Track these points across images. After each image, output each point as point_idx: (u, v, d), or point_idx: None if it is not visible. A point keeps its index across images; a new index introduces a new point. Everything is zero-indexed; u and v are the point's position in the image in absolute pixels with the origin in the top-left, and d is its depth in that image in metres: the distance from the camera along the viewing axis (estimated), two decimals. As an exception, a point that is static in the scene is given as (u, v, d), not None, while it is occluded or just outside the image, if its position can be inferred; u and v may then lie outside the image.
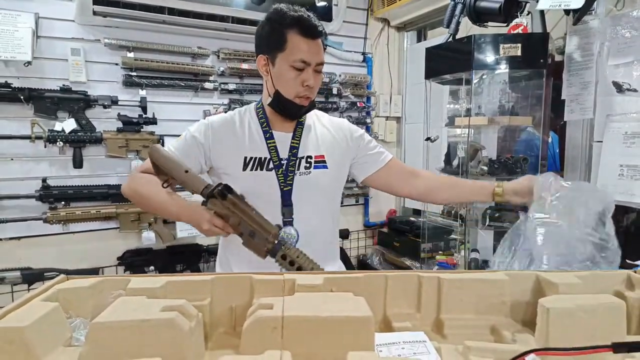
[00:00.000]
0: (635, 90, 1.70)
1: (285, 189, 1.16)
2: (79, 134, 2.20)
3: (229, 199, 0.95)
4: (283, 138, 1.20)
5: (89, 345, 0.54)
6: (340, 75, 2.92)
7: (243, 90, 2.63)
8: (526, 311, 0.72)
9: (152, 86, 2.38)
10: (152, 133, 2.36)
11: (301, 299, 0.62)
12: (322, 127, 1.27)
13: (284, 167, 1.17)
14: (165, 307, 0.58)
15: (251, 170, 1.16)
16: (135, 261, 2.33)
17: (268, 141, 1.18)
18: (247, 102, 2.55)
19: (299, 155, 1.19)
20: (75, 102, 2.21)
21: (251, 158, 1.17)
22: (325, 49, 1.17)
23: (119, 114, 2.30)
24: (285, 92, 1.14)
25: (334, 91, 2.90)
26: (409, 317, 0.73)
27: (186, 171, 0.98)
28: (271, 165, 1.17)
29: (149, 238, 2.33)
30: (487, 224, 2.06)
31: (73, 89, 2.21)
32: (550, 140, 2.06)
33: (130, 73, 2.33)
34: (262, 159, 1.17)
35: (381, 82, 3.26)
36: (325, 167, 1.21)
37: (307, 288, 0.70)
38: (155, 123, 2.36)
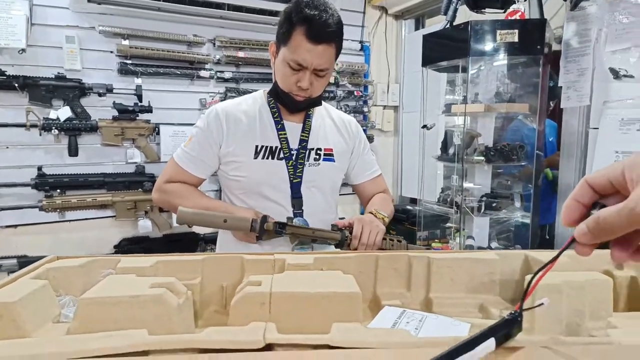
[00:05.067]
0: (631, 77, 1.69)
1: (294, 180, 1.16)
2: (74, 122, 2.19)
3: (288, 229, 1.00)
4: (293, 128, 1.19)
5: (78, 320, 0.54)
6: (337, 64, 2.90)
7: (239, 78, 2.61)
8: (515, 289, 0.72)
9: (148, 74, 2.36)
10: (147, 121, 2.35)
11: (290, 277, 0.62)
12: (330, 121, 1.27)
13: (293, 158, 1.17)
14: (154, 284, 0.58)
15: (262, 158, 1.15)
16: (131, 249, 2.33)
17: (280, 132, 1.17)
18: (244, 91, 2.55)
19: (309, 147, 1.19)
20: (70, 90, 2.20)
21: (262, 147, 1.16)
22: (338, 53, 1.12)
23: (114, 102, 2.28)
24: (282, 85, 1.13)
25: (331, 80, 2.89)
26: (399, 296, 0.74)
27: (225, 220, 0.99)
28: (282, 155, 1.16)
29: (145, 226, 2.33)
30: (482, 211, 2.07)
31: (68, 76, 2.20)
32: (542, 128, 2.06)
33: (126, 61, 2.32)
34: (273, 148, 1.16)
35: (379, 70, 3.24)
36: (333, 160, 1.22)
37: (297, 267, 0.71)
38: (151, 111, 2.35)
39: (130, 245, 2.35)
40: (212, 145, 1.16)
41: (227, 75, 2.57)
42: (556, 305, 0.57)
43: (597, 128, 1.83)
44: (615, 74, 1.77)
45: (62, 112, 2.16)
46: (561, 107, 1.98)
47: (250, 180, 1.15)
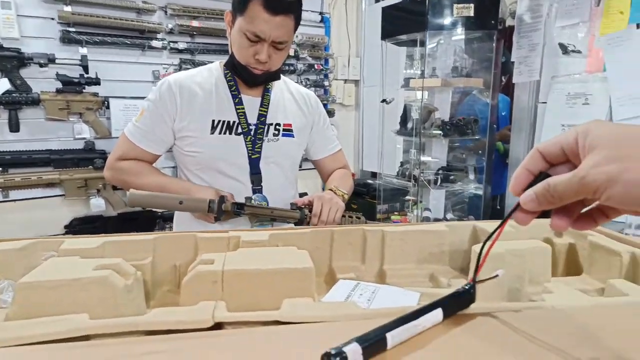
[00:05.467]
0: (579, 52, 1.76)
1: (253, 156, 1.13)
2: (14, 95, 2.03)
3: (246, 209, 0.98)
4: (251, 103, 1.15)
5: (16, 306, 0.51)
6: (297, 36, 2.84)
7: (195, 49, 2.50)
8: (463, 258, 0.76)
9: (94, 43, 2.21)
10: (95, 94, 2.22)
11: (244, 254, 0.62)
12: (290, 95, 1.24)
13: (252, 133, 1.13)
14: (98, 266, 0.56)
15: (219, 133, 1.11)
16: (84, 229, 2.24)
17: (237, 106, 1.13)
18: (200, 63, 2.44)
19: (268, 122, 1.16)
20: (7, 60, 2.02)
21: (219, 121, 1.12)
22: (297, 25, 1.09)
23: (57, 74, 2.13)
24: (238, 57, 1.09)
25: (291, 52, 2.82)
26: (353, 269, 0.75)
27: (180, 202, 0.95)
28: (239, 130, 1.13)
29: (98, 205, 2.24)
30: (439, 184, 2.13)
31: (5, 45, 2.02)
32: (496, 102, 2.13)
33: (69, 29, 2.15)
34: (231, 122, 1.12)
35: (339, 43, 3.20)
36: (292, 135, 1.20)
37: (252, 244, 0.70)
38: (99, 84, 2.21)
39: (82, 225, 2.26)
40: (166, 119, 1.10)
41: (182, 46, 2.45)
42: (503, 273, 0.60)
43: (546, 102, 1.91)
44: (564, 49, 1.83)
45: (0, 84, 2.00)
46: (513, 82, 2.04)
47: (207, 156, 1.11)
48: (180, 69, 2.43)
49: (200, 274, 0.56)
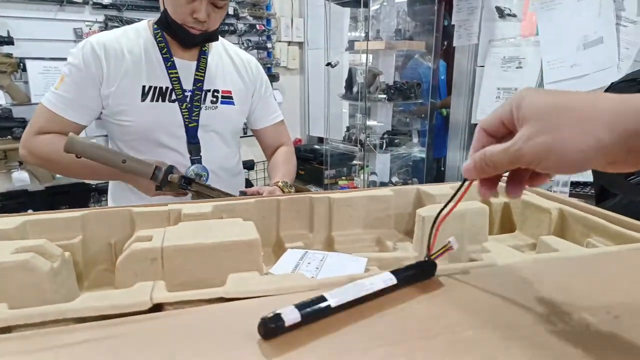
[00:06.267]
0: (514, 16, 1.82)
1: (190, 125, 1.06)
2: None
3: (194, 186, 0.92)
4: (186, 67, 1.06)
5: None
6: (236, -7, 2.68)
7: (121, 5, 2.28)
8: (408, 222, 0.77)
9: (1, -4, 1.94)
10: (9, 55, 1.98)
11: (185, 228, 0.58)
12: (228, 59, 1.15)
13: (188, 100, 1.05)
14: (18, 249, 0.50)
15: (151, 101, 1.02)
16: (7, 205, 2.05)
17: (170, 70, 1.04)
18: (128, 21, 2.24)
19: (205, 88, 1.08)
20: None
21: (150, 87, 1.02)
22: None
23: (-42, 31, 1.86)
24: (174, 15, 0.99)
25: (230, 11, 2.67)
26: (301, 237, 0.74)
27: (124, 161, 0.86)
28: (174, 97, 1.04)
29: (21, 179, 2.05)
30: (384, 148, 2.17)
31: None
32: (437, 65, 2.17)
33: (-33, -23, 1.87)
34: (164, 88, 1.03)
35: (282, 3, 3.07)
36: (232, 103, 1.13)
37: (194, 217, 0.67)
38: (12, 43, 1.97)
39: (4, 201, 2.06)
40: (93, 84, 0.99)
41: (106, 0, 2.22)
42: (443, 233, 0.62)
43: (483, 66, 1.97)
44: (501, 13, 1.88)
45: None
46: (453, 45, 2.08)
47: (139, 125, 1.03)
48: (106, 27, 2.22)
49: (135, 252, 0.52)
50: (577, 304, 0.40)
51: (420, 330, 0.36)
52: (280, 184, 1.07)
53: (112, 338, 0.35)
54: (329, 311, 0.37)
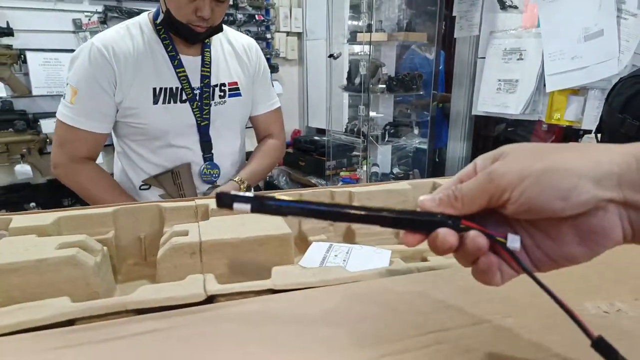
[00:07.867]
0: (516, 7, 1.83)
1: (202, 124, 1.06)
2: None
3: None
4: (192, 64, 1.05)
5: (-27, 295, 0.47)
6: (235, -17, 2.66)
7: (121, -5, 2.26)
8: (425, 214, 0.80)
9: (-1, -14, 1.92)
10: (9, 47, 1.96)
11: (217, 223, 0.60)
12: (229, 46, 1.14)
13: (197, 98, 1.05)
14: (62, 244, 0.52)
15: (163, 103, 1.02)
16: (10, 198, 2.05)
17: (177, 69, 1.03)
18: (128, 11, 2.22)
19: (212, 83, 1.08)
20: None
21: (161, 89, 1.02)
22: None
23: (-43, 22, 1.84)
24: (177, 16, 0.98)
25: (230, 1, 2.65)
26: (323, 231, 0.76)
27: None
28: (184, 97, 1.04)
29: (24, 172, 2.04)
30: (386, 139, 2.20)
31: None
32: (433, 57, 2.18)
33: (-36, -33, 1.84)
34: (174, 89, 1.03)
35: (280, -8, 3.05)
36: (239, 94, 1.13)
37: (222, 212, 0.69)
38: (12, 34, 1.95)
39: (7, 195, 2.06)
40: (107, 90, 0.98)
41: (106, -9, 2.20)
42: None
43: (484, 57, 1.99)
44: (502, 5, 1.90)
45: None
46: (454, 36, 2.10)
47: (152, 127, 1.03)
48: (105, 17, 2.19)
49: (176, 246, 0.54)
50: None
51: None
52: (237, 180, 1.09)
53: (173, 328, 0.38)
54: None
